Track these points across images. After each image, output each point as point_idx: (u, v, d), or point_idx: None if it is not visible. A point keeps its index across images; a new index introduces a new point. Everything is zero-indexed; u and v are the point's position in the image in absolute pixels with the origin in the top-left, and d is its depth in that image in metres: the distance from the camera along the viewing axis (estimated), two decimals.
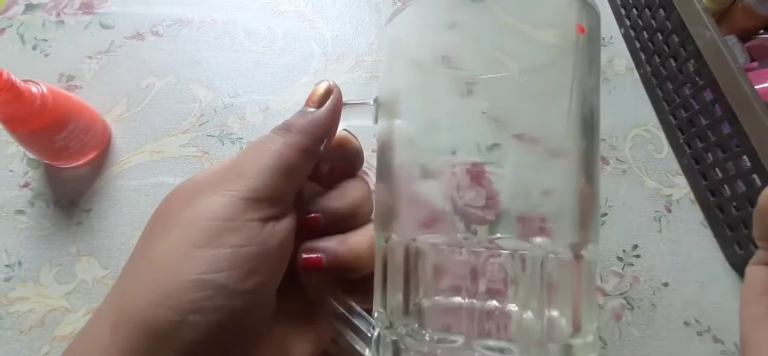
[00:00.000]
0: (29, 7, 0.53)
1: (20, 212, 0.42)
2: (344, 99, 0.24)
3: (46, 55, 0.50)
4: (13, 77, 0.35)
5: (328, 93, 0.23)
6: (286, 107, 0.48)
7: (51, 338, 0.37)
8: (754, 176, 0.37)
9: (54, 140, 0.39)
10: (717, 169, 0.41)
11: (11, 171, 0.44)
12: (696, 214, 0.43)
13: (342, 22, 0.54)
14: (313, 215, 0.23)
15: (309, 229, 0.22)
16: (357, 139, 0.26)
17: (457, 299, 0.18)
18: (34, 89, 0.37)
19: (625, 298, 0.40)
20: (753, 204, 0.37)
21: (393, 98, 0.22)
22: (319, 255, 0.22)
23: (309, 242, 0.22)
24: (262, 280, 0.20)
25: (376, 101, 0.24)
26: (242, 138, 0.46)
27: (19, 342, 0.37)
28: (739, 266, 0.40)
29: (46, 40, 0.51)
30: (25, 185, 0.43)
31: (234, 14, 0.54)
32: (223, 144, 0.45)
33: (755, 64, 0.47)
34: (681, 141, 0.45)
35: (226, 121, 0.47)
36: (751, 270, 0.19)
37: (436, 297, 0.19)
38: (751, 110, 0.35)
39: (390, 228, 0.21)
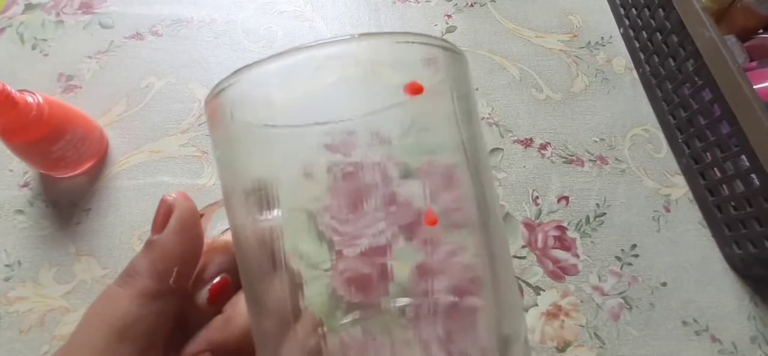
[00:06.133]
0: (29, 7, 0.53)
1: (19, 211, 0.42)
2: (214, 202, 0.19)
3: (46, 55, 0.50)
4: (9, 87, 0.34)
5: (168, 212, 0.18)
6: None
7: (50, 337, 0.37)
8: (753, 175, 0.37)
9: (51, 150, 0.39)
10: (715, 169, 0.41)
11: (11, 171, 0.44)
12: (694, 214, 0.44)
13: (341, 22, 0.54)
14: None
15: None
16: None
17: None
18: (29, 99, 0.36)
19: (623, 298, 0.40)
20: (751, 204, 0.38)
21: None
22: None
23: None
24: None
25: None
26: None
27: (19, 342, 0.37)
28: (737, 265, 0.41)
29: (45, 40, 0.51)
30: (25, 185, 0.43)
31: (233, 14, 0.54)
32: None
33: (754, 64, 0.47)
34: (680, 141, 0.46)
35: None
36: None
37: None
38: (750, 109, 0.35)
39: None
